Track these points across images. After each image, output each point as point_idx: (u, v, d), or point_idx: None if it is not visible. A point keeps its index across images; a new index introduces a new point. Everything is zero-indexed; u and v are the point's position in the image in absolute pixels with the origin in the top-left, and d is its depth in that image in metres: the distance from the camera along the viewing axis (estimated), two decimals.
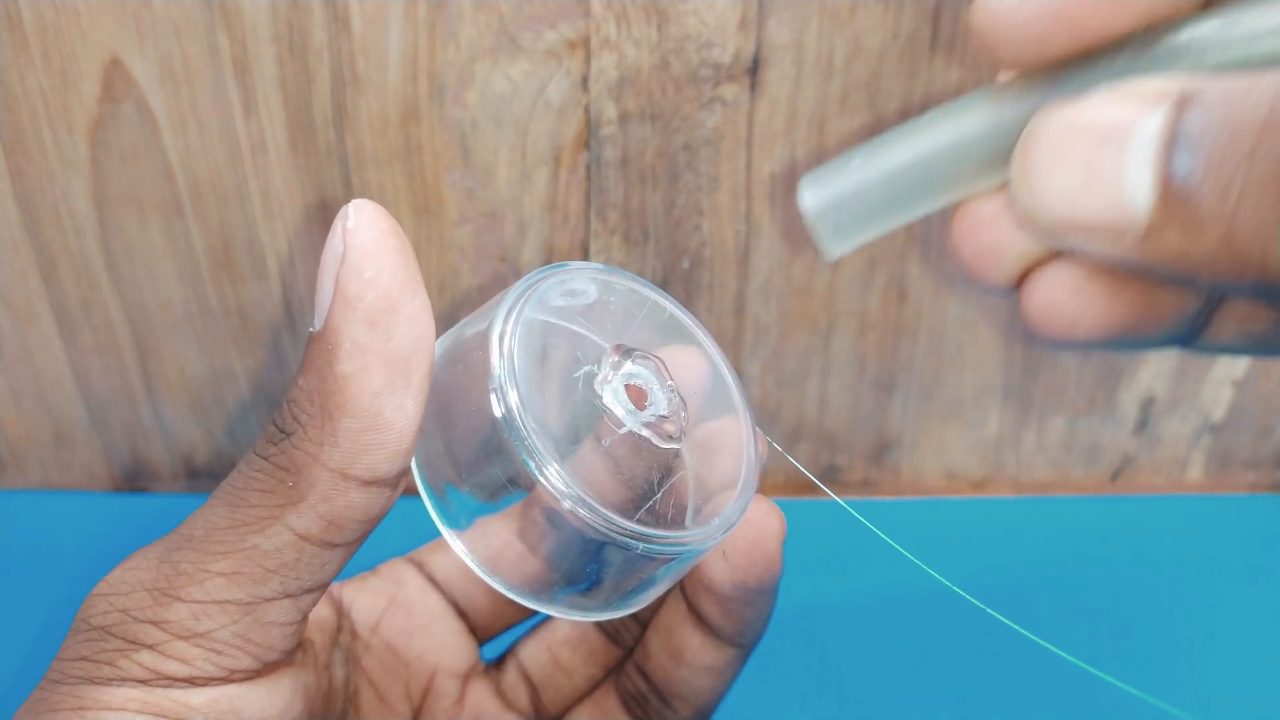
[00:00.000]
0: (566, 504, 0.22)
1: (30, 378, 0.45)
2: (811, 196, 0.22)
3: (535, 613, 0.33)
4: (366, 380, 0.21)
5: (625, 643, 0.33)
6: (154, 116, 0.39)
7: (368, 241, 0.21)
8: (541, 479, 0.22)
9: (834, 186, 0.22)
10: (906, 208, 0.21)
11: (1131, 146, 0.17)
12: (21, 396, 0.46)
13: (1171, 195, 0.17)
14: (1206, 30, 0.18)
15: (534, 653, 0.33)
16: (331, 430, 0.22)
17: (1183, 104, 0.17)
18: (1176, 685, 0.42)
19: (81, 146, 0.39)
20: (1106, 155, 0.17)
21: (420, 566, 0.33)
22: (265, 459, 0.22)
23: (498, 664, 0.33)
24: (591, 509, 0.22)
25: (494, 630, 0.33)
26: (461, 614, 0.33)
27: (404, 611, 0.32)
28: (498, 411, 0.22)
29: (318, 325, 0.22)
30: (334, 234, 0.22)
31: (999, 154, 0.20)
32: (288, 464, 0.22)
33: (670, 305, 0.27)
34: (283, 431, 0.22)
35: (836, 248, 0.22)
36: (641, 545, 0.23)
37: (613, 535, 0.23)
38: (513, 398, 0.22)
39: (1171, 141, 0.17)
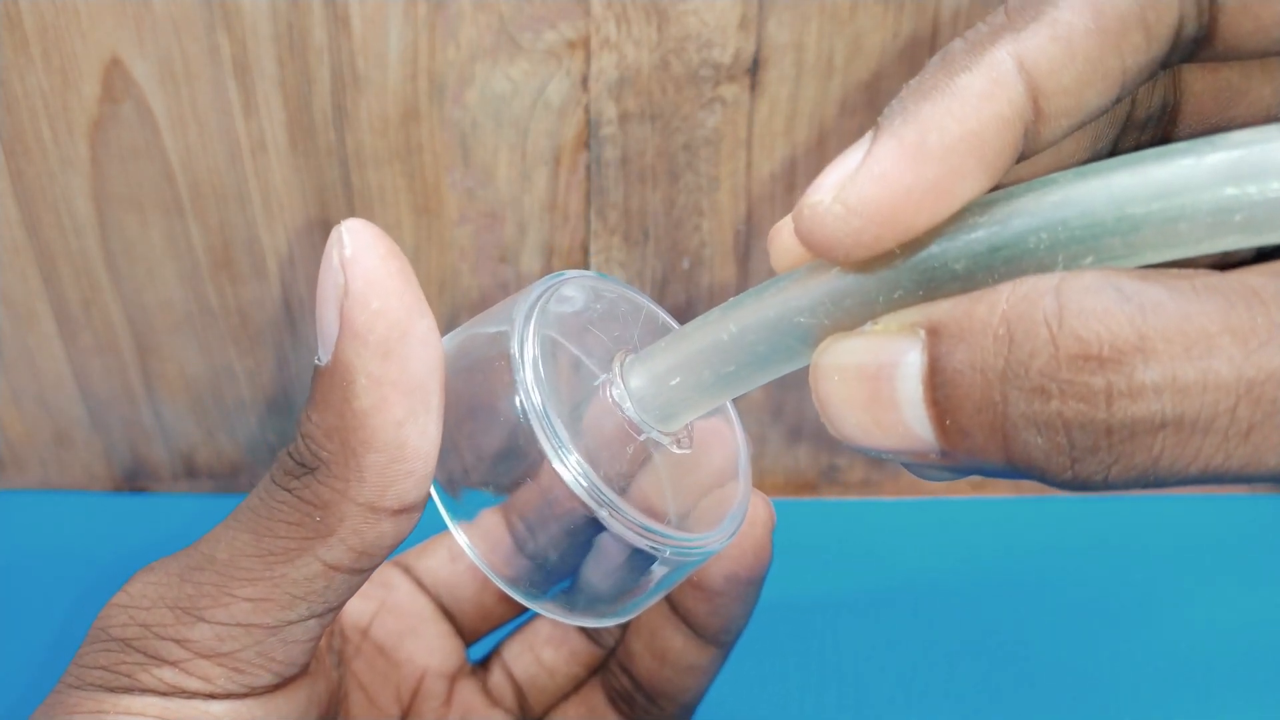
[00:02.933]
0: (603, 511, 0.22)
1: (30, 378, 0.45)
2: (635, 380, 0.23)
3: (520, 614, 0.34)
4: (387, 413, 0.21)
5: (606, 644, 0.33)
6: (154, 116, 0.39)
7: (370, 270, 0.21)
8: (578, 486, 0.22)
9: (652, 370, 0.23)
10: (723, 390, 0.22)
11: (899, 390, 0.18)
12: (21, 396, 0.46)
13: (948, 433, 0.18)
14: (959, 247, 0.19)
15: (518, 653, 0.33)
16: (357, 466, 0.21)
17: (933, 339, 0.18)
18: (1176, 685, 0.42)
19: (81, 146, 0.39)
20: (883, 398, 0.19)
21: (408, 570, 0.33)
22: (289, 491, 0.22)
23: (483, 664, 0.33)
24: (627, 515, 0.23)
25: (480, 632, 0.34)
26: (448, 616, 0.33)
27: (394, 615, 0.32)
28: (533, 421, 0.22)
29: (325, 359, 0.21)
30: (330, 261, 0.21)
31: (807, 343, 0.20)
32: (314, 499, 0.22)
33: (662, 314, 0.27)
34: (303, 466, 0.22)
35: (665, 426, 0.23)
36: (669, 549, 0.23)
37: (641, 539, 0.23)
38: (540, 403, 0.22)
39: (932, 384, 0.18)
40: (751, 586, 0.29)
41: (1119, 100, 0.20)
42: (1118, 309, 0.16)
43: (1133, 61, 0.19)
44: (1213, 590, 0.45)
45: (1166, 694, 0.42)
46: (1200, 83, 0.23)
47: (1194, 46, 0.21)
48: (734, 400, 0.25)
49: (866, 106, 0.40)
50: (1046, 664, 0.42)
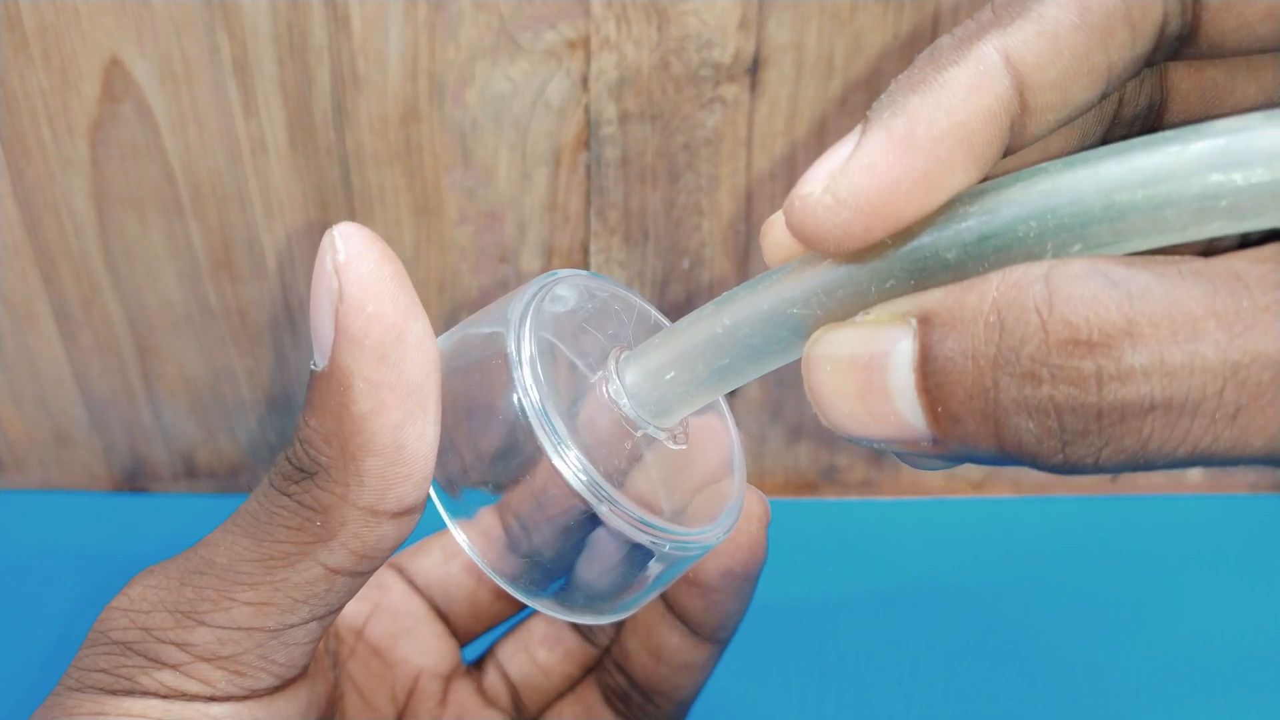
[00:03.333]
0: (604, 506, 0.22)
1: (30, 378, 0.45)
2: (630, 376, 0.23)
3: (513, 614, 0.34)
4: (385, 416, 0.21)
5: (600, 643, 0.33)
6: (154, 116, 0.39)
7: (365, 275, 0.21)
8: (577, 482, 0.22)
9: (647, 366, 0.23)
10: (718, 384, 0.22)
11: (891, 379, 0.19)
12: (21, 396, 0.46)
13: (940, 420, 0.18)
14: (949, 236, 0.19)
15: (512, 653, 0.33)
16: (356, 471, 0.21)
17: (924, 328, 0.18)
18: (1176, 685, 0.42)
19: (81, 146, 0.39)
20: (875, 387, 0.19)
21: (401, 571, 0.33)
22: (288, 496, 0.22)
23: (478, 664, 0.33)
24: (627, 509, 0.23)
25: (474, 633, 0.34)
26: (442, 617, 0.33)
27: (389, 616, 0.32)
28: (532, 418, 0.22)
29: (321, 364, 0.21)
30: (324, 266, 0.21)
31: (800, 335, 0.20)
32: (314, 504, 0.22)
33: (654, 312, 0.27)
34: (302, 470, 0.22)
35: (661, 421, 0.23)
36: (669, 544, 0.23)
37: (641, 534, 0.23)
38: (538, 400, 0.22)
39: (924, 372, 0.18)
40: (747, 582, 0.29)
41: (1104, 96, 0.20)
42: (1106, 295, 0.16)
43: (1118, 57, 0.20)
44: (1213, 590, 0.45)
45: (1166, 694, 0.42)
46: (1186, 81, 0.23)
47: (1178, 44, 0.21)
48: (733, 399, 0.25)
49: (866, 106, 0.39)
50: (1046, 664, 0.42)
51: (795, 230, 0.19)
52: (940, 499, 0.49)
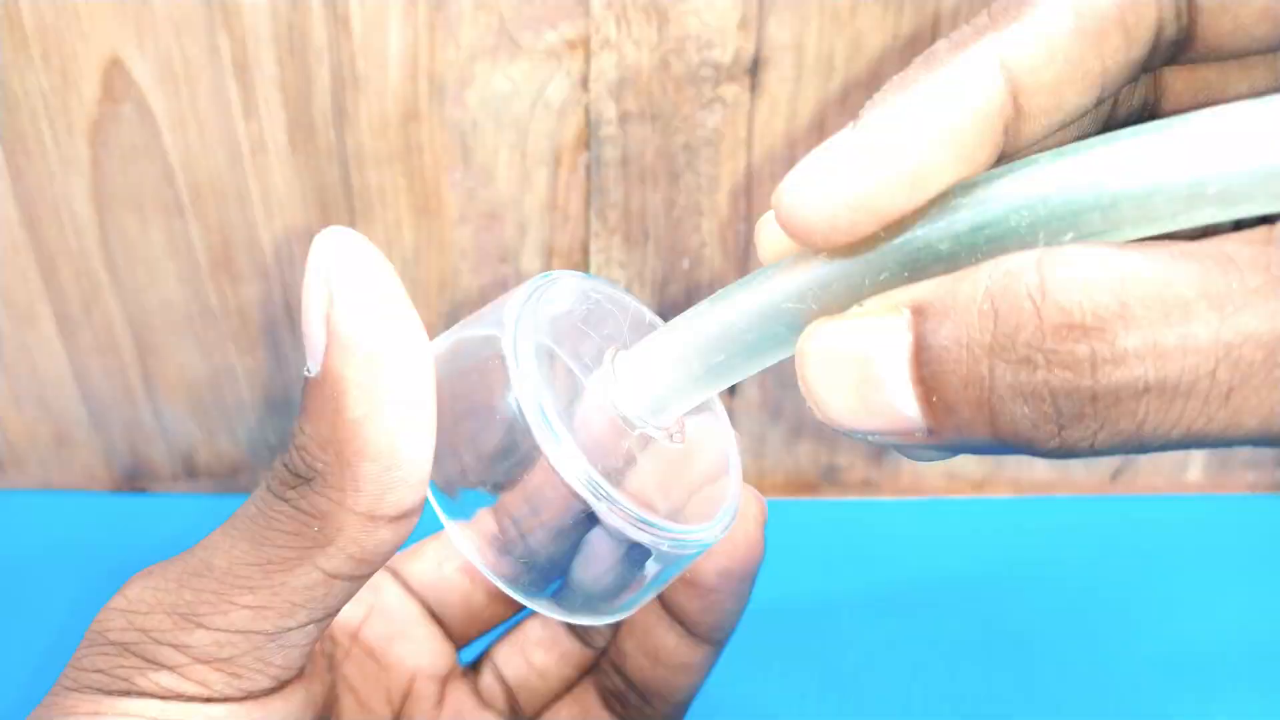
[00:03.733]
0: (602, 505, 0.22)
1: (30, 378, 0.45)
2: (626, 375, 0.23)
3: (509, 617, 0.34)
4: (380, 421, 0.21)
5: (597, 645, 0.33)
6: (154, 116, 0.39)
7: (356, 279, 0.21)
8: (576, 481, 0.22)
9: (643, 364, 0.23)
10: (714, 380, 0.22)
11: (885, 370, 0.19)
12: (21, 396, 0.46)
13: (935, 409, 0.18)
14: (941, 228, 0.19)
15: (508, 655, 0.33)
16: (352, 476, 0.21)
17: (918, 318, 0.18)
18: (1176, 685, 0.42)
19: (81, 146, 0.39)
20: (869, 379, 0.19)
21: (396, 574, 0.33)
22: (285, 501, 0.22)
23: (474, 667, 0.33)
24: (625, 508, 0.23)
25: (469, 636, 0.34)
26: (437, 620, 0.33)
27: (384, 618, 0.32)
28: (529, 418, 0.22)
29: (314, 370, 0.21)
30: (314, 272, 0.21)
31: (795, 330, 0.21)
32: (311, 509, 0.22)
33: (649, 313, 0.27)
34: (298, 476, 0.22)
35: (657, 420, 0.24)
36: (667, 542, 0.23)
37: (640, 532, 0.23)
38: (535, 400, 0.22)
39: (918, 362, 0.18)
40: (744, 582, 0.29)
41: (1099, 101, 0.21)
42: (1098, 278, 0.17)
43: (1112, 62, 0.20)
44: (1213, 590, 0.45)
45: (1166, 694, 0.42)
46: (1180, 81, 0.23)
47: (1174, 49, 0.21)
48: (732, 399, 0.25)
49: None
50: (1047, 664, 0.42)
51: (784, 225, 0.19)
52: (940, 499, 0.49)
